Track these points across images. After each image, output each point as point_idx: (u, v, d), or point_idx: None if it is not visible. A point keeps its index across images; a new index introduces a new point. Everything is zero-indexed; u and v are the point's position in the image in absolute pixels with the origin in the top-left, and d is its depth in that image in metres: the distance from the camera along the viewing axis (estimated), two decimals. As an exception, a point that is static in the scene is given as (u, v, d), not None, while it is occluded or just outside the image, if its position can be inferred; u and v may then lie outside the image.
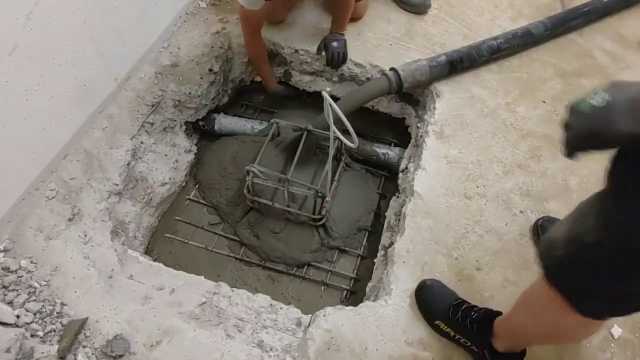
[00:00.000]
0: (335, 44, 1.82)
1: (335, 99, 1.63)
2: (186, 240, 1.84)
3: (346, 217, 1.83)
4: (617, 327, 1.25)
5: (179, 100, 1.84)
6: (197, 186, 1.99)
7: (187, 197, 1.95)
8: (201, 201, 1.95)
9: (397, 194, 1.74)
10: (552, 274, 0.81)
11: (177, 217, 1.89)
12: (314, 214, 1.73)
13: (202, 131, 2.10)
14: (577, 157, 0.67)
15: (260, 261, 1.80)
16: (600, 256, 0.72)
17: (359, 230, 1.86)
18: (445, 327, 1.20)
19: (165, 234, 1.85)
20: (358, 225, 1.86)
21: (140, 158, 1.72)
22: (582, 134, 0.64)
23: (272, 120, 1.84)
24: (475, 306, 1.18)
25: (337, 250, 1.83)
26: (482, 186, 1.52)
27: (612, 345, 1.23)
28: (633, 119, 0.59)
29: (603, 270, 0.72)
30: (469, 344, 1.16)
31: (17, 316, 1.17)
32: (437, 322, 1.21)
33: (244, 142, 1.99)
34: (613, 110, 0.60)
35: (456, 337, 1.18)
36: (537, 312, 0.93)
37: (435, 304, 1.24)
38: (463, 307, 1.18)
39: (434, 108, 1.73)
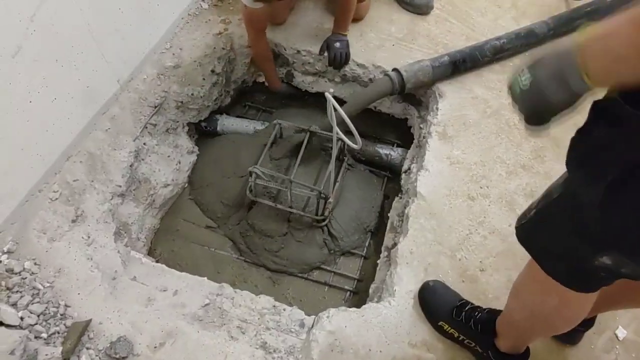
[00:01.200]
0: (337, 44, 1.81)
1: (337, 99, 1.63)
2: (188, 240, 1.83)
3: (353, 222, 1.82)
4: (622, 328, 1.24)
5: (182, 102, 1.84)
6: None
7: (190, 197, 1.95)
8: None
9: (399, 195, 1.74)
10: (523, 233, 0.83)
11: (181, 218, 1.89)
12: (316, 214, 1.73)
13: (200, 132, 2.10)
14: (543, 130, 0.69)
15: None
16: (562, 209, 0.74)
17: (365, 233, 1.86)
18: (449, 328, 1.19)
19: (168, 235, 1.85)
20: (366, 230, 1.85)
21: (143, 159, 1.72)
22: (526, 115, 0.68)
23: (274, 122, 1.83)
24: (479, 307, 1.18)
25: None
26: (486, 187, 1.51)
27: (617, 347, 1.22)
28: (560, 88, 0.60)
29: (562, 224, 0.74)
30: (473, 344, 1.15)
31: (21, 318, 1.17)
32: (440, 323, 1.21)
33: (226, 146, 1.97)
34: (539, 87, 0.63)
35: (460, 338, 1.18)
36: (522, 297, 0.95)
37: (438, 305, 1.23)
38: (467, 308, 1.17)
39: (437, 109, 1.72)
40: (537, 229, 0.80)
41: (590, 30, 0.55)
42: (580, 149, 0.68)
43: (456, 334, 1.18)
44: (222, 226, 1.87)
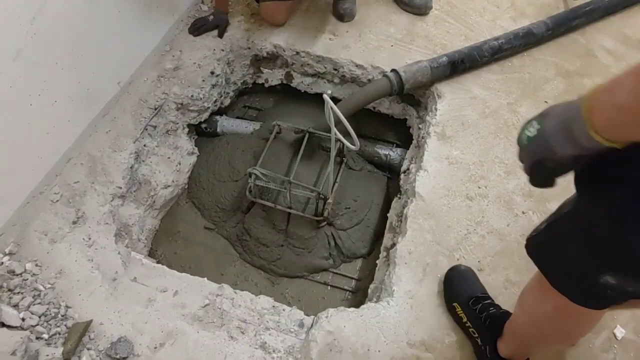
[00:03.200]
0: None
1: (336, 100, 1.63)
2: (190, 242, 1.84)
3: (365, 235, 1.82)
4: (620, 328, 1.24)
5: (182, 103, 1.85)
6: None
7: (187, 200, 1.96)
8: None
9: (398, 195, 1.74)
10: (533, 247, 0.82)
11: (181, 219, 1.90)
12: (316, 215, 1.73)
13: (199, 133, 2.11)
14: (548, 184, 0.69)
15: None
16: (570, 225, 0.73)
17: (373, 240, 1.85)
18: (461, 311, 1.20)
19: (170, 236, 1.86)
20: (371, 234, 1.85)
21: (143, 161, 1.73)
22: (530, 165, 0.68)
23: (273, 122, 1.84)
24: (497, 305, 1.18)
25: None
26: (484, 187, 1.52)
27: (615, 346, 1.22)
28: (566, 140, 0.60)
29: (570, 240, 0.73)
30: (475, 335, 1.16)
31: (23, 319, 1.18)
32: (455, 304, 1.22)
33: (222, 147, 1.97)
34: (545, 137, 0.62)
35: (467, 324, 1.19)
36: (530, 307, 0.94)
37: (460, 288, 1.25)
38: (485, 302, 1.18)
39: (436, 109, 1.73)
40: (546, 243, 0.79)
41: (599, 85, 0.55)
42: (585, 168, 0.66)
43: (464, 319, 1.19)
44: (220, 228, 1.88)
